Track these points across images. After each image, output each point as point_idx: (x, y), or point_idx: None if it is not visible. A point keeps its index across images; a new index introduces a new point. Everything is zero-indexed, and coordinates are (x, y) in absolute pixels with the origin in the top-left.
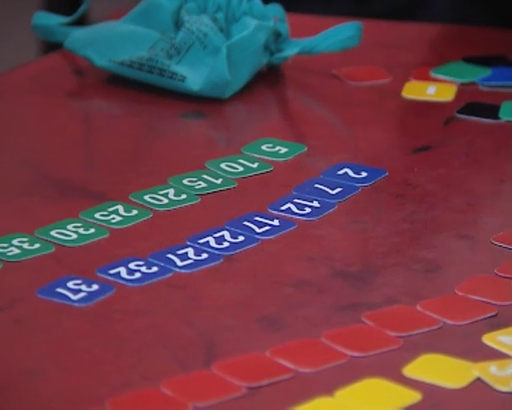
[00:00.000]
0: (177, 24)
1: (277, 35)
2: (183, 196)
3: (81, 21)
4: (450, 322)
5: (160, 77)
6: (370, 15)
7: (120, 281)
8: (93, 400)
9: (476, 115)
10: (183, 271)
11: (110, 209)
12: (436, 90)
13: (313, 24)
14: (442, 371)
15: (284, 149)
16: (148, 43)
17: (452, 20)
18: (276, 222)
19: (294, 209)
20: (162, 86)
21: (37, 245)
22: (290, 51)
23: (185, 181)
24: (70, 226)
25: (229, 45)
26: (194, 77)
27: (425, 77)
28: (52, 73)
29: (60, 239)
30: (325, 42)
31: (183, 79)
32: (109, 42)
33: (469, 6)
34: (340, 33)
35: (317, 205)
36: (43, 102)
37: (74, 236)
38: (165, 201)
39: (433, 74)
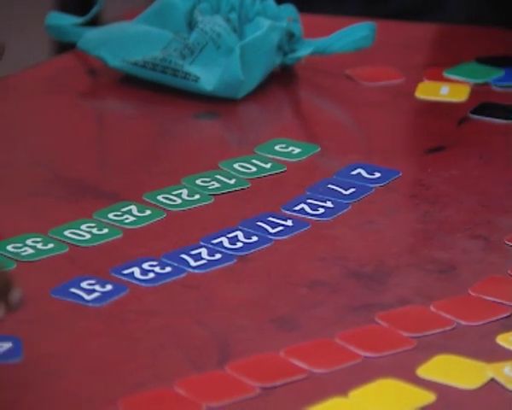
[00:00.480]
0: (191, 24)
1: (291, 35)
2: (197, 197)
3: (94, 22)
4: (463, 323)
5: (174, 77)
6: (383, 16)
7: (134, 281)
8: (107, 399)
9: (489, 116)
10: (196, 271)
11: (124, 209)
12: (449, 91)
13: (326, 24)
14: (456, 371)
15: (297, 150)
16: (161, 43)
17: (466, 20)
18: (289, 222)
19: (308, 210)
20: (175, 86)
21: (50, 245)
22: (303, 51)
23: (199, 181)
24: (84, 226)
25: (243, 45)
26: (207, 77)
27: (438, 77)
28: (65, 73)
29: (73, 239)
30: (338, 42)
31: (197, 79)
32: (123, 42)
33: (483, 7)
34: (353, 34)
35: (331, 205)
36: (56, 103)
37: (88, 236)
38: (179, 201)
39: (446, 75)
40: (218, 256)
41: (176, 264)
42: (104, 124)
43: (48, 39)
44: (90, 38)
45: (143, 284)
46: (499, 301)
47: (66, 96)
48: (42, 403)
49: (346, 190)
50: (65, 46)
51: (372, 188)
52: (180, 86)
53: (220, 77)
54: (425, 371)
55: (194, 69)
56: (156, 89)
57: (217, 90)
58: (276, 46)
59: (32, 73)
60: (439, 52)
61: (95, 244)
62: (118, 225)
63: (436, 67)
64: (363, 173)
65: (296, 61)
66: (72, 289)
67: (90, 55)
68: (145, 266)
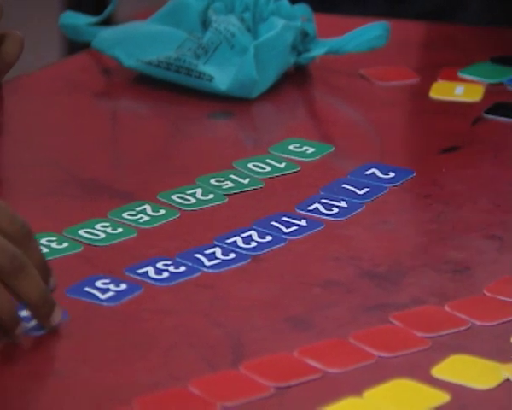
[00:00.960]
0: (205, 24)
1: (305, 35)
2: (211, 196)
3: (108, 21)
4: (478, 323)
5: (188, 77)
6: (406, 16)
7: (148, 280)
8: (121, 399)
9: (504, 115)
10: (210, 271)
11: (138, 209)
12: (464, 91)
13: (340, 24)
14: (471, 372)
15: (311, 149)
16: (175, 42)
17: (488, 21)
18: (303, 222)
19: (322, 209)
20: (189, 86)
21: (65, 244)
22: (317, 51)
23: (213, 181)
24: (98, 226)
25: (257, 45)
26: (221, 77)
27: (453, 77)
28: (80, 72)
29: (88, 238)
30: (352, 42)
31: (211, 78)
32: (137, 42)
33: (508, 8)
34: (367, 33)
35: (345, 205)
36: (71, 102)
37: (102, 235)
38: (193, 200)
39: (460, 75)
40: (232, 256)
41: (190, 263)
42: (118, 123)
43: (58, 39)
44: (105, 38)
45: (158, 284)
46: None
47: (80, 96)
48: (56, 402)
49: (360, 190)
50: (76, 46)
51: (386, 188)
52: (194, 86)
53: (234, 76)
54: (439, 371)
55: (208, 69)
56: (170, 88)
57: (231, 90)
58: (290, 46)
59: (46, 72)
60: (454, 52)
61: (109, 244)
62: (132, 224)
63: (451, 67)
64: (378, 173)
65: (310, 60)
66: (87, 289)
67: (105, 54)
68: (159, 265)
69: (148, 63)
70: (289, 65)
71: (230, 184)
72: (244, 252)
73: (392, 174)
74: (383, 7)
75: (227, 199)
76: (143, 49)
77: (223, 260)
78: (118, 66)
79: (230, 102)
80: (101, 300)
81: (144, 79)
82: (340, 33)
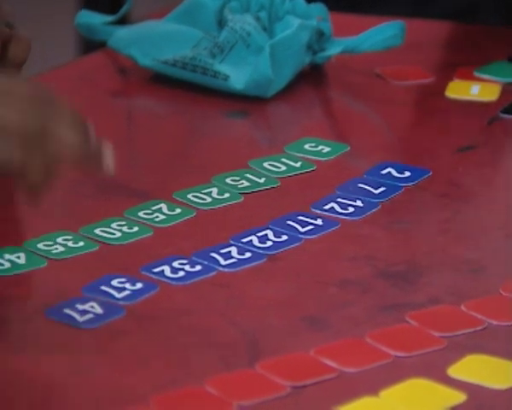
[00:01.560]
0: (221, 23)
1: (320, 34)
2: (227, 195)
3: (123, 20)
4: (495, 322)
5: (203, 76)
6: (431, 16)
7: (164, 279)
8: (138, 397)
9: None
10: (226, 270)
11: (154, 208)
12: (480, 90)
13: (356, 23)
14: (487, 371)
15: (327, 149)
16: (191, 42)
17: (506, 21)
18: (319, 221)
19: (338, 209)
20: (205, 85)
21: (81, 243)
22: (333, 50)
23: (228, 180)
24: (114, 225)
25: (273, 44)
26: (237, 76)
27: (469, 76)
28: (96, 72)
29: (104, 237)
30: (368, 41)
31: (226, 77)
32: (153, 41)
33: None
34: (382, 32)
35: (361, 204)
36: (87, 101)
37: (118, 234)
38: (209, 199)
39: (476, 74)
40: (247, 255)
41: (206, 262)
42: (135, 122)
43: (75, 38)
44: (121, 37)
45: (174, 283)
46: None
47: (96, 95)
48: (74, 401)
49: (375, 190)
50: (92, 45)
51: (402, 187)
52: (210, 85)
53: (250, 76)
54: (456, 370)
55: (223, 68)
56: (187, 88)
57: (246, 89)
58: (305, 45)
59: (63, 71)
60: (470, 51)
61: (125, 242)
62: (148, 223)
63: (467, 67)
64: (393, 172)
65: (326, 59)
66: (103, 287)
67: (121, 53)
68: (175, 264)
69: (164, 62)
70: (305, 64)
71: (246, 184)
72: (260, 251)
73: (408, 173)
74: (407, 7)
75: (243, 198)
76: (159, 48)
77: (238, 259)
78: (134, 65)
79: (246, 102)
80: (118, 299)
81: (160, 78)
82: (356, 33)
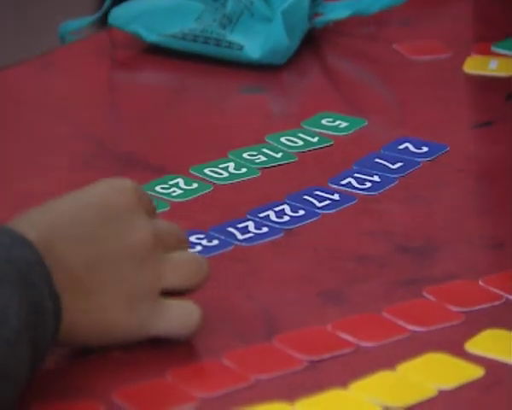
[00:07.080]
0: None
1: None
2: (244, 170)
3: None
4: None
5: (217, 47)
6: None
7: None
8: (156, 371)
9: None
10: (243, 244)
11: (171, 182)
12: (498, 65)
13: None
14: (504, 346)
15: (344, 124)
16: (193, 14)
17: None
18: (336, 196)
19: (355, 184)
20: (219, 57)
21: None
22: (339, 14)
23: (245, 155)
24: None
25: (283, 11)
26: (251, 45)
27: (487, 51)
28: (110, 47)
29: None
30: (373, 3)
31: (241, 47)
32: (154, 15)
33: None
34: None
35: (378, 180)
36: (102, 76)
37: None
38: (226, 174)
39: (494, 49)
40: (264, 230)
41: (223, 237)
42: (150, 98)
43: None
44: (120, 14)
45: None
46: None
47: (111, 70)
48: (95, 378)
49: (393, 165)
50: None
51: (419, 162)
52: (224, 56)
53: (265, 44)
54: (473, 345)
55: (236, 38)
56: (201, 61)
57: (263, 58)
58: (307, 11)
59: (82, 45)
60: (488, 26)
61: None
62: (165, 198)
63: (485, 42)
64: (411, 148)
65: (324, 24)
66: None
67: (123, 30)
68: (192, 239)
69: (173, 36)
70: (306, 30)
71: (263, 158)
72: (277, 226)
73: (425, 149)
74: None
75: (260, 173)
76: (162, 22)
77: (256, 233)
78: (132, 40)
79: (262, 76)
80: None
81: (174, 53)
82: None
